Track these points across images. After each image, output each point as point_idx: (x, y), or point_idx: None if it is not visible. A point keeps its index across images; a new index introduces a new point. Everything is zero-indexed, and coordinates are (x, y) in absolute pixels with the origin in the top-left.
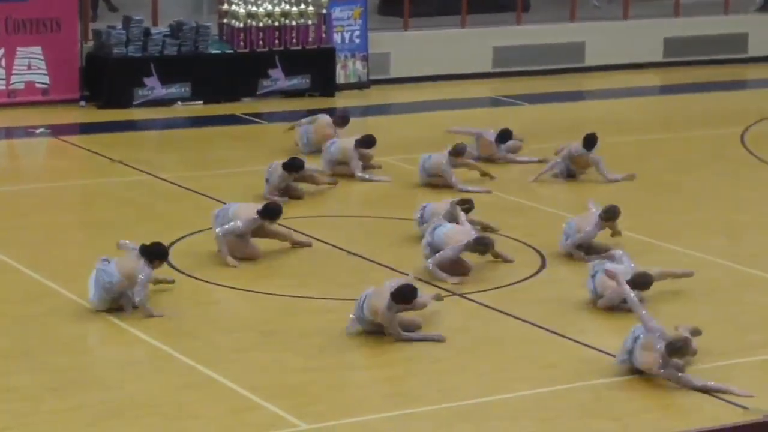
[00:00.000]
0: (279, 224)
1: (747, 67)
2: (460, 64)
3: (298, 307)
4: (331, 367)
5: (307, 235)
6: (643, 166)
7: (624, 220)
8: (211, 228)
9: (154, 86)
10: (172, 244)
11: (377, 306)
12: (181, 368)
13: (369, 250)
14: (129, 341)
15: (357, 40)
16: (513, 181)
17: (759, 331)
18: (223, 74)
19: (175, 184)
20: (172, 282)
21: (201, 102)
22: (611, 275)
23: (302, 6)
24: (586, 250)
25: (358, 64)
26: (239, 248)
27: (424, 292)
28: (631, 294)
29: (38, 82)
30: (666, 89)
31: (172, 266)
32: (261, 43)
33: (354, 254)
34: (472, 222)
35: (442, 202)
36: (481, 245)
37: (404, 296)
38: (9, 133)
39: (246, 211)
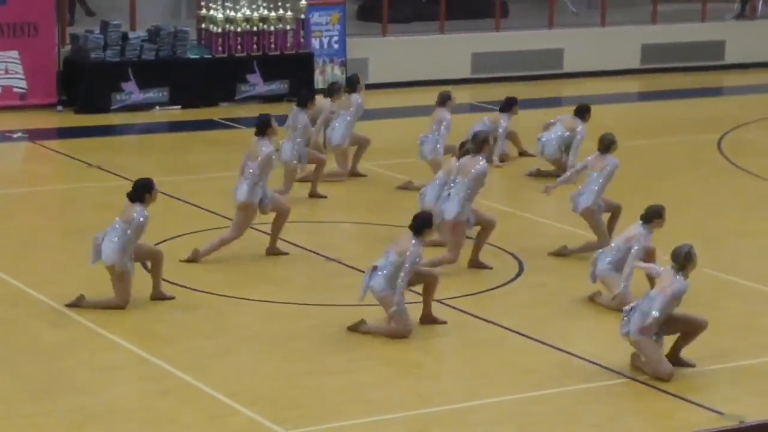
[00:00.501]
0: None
1: (724, 74)
2: (439, 69)
3: (276, 312)
4: (310, 372)
5: (286, 241)
6: (620, 172)
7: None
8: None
9: (131, 91)
10: None
11: (404, 246)
12: (160, 373)
13: (348, 255)
14: (107, 346)
15: (335, 46)
16: (491, 186)
17: (736, 338)
18: (202, 79)
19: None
20: (172, 298)
21: (179, 107)
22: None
23: (281, 11)
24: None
25: (337, 70)
26: None
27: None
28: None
29: (15, 87)
30: (643, 96)
31: (149, 270)
32: (239, 48)
33: (333, 260)
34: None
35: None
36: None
37: (424, 222)
38: None
39: None
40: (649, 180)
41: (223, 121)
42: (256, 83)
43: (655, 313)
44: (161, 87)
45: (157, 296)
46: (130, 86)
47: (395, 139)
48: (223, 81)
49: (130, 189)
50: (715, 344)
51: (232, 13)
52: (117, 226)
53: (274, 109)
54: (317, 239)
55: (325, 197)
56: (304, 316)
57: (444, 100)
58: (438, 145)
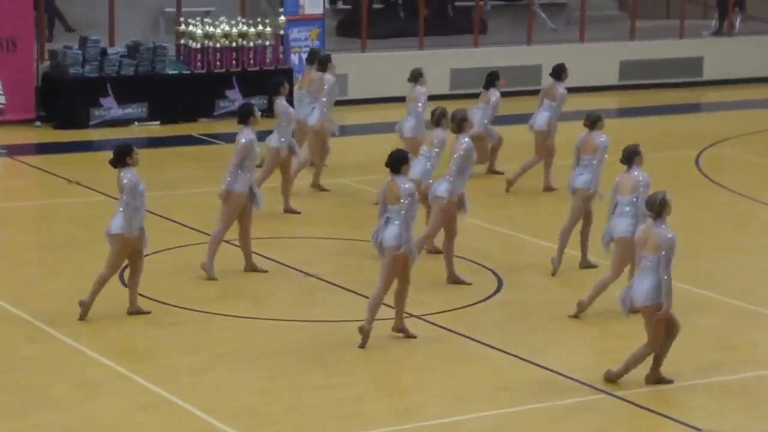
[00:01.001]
0: None
1: (702, 91)
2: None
3: (254, 328)
4: (288, 388)
5: (264, 257)
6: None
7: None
8: (169, 248)
9: (110, 106)
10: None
11: (396, 192)
12: (138, 389)
13: (326, 270)
14: (86, 362)
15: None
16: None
17: (714, 353)
18: (180, 95)
19: None
20: (148, 313)
21: (158, 122)
22: None
23: (260, 27)
24: None
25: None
26: None
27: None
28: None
29: None
30: (622, 112)
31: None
32: (218, 63)
33: (311, 275)
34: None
35: None
36: None
37: (399, 159)
38: None
39: None
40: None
41: (202, 137)
42: (236, 99)
43: (665, 277)
44: (140, 103)
45: (134, 311)
46: (108, 102)
47: (374, 154)
48: (202, 97)
49: (112, 156)
50: (695, 360)
51: (211, 29)
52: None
53: None
54: (295, 255)
55: (299, 213)
56: (282, 331)
57: (416, 77)
58: (418, 123)
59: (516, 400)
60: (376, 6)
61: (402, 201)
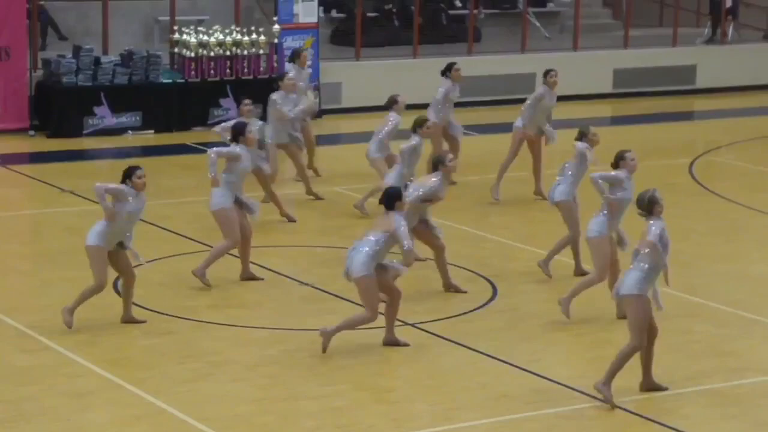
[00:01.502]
0: None
1: (695, 99)
2: (412, 94)
3: (249, 337)
4: (282, 397)
5: (259, 265)
6: (591, 196)
7: (570, 251)
8: (163, 257)
9: (104, 115)
10: None
11: (388, 224)
12: (132, 399)
13: (320, 279)
14: (79, 372)
15: (309, 70)
16: (464, 210)
17: (707, 360)
18: (174, 103)
19: None
20: (143, 322)
21: (152, 131)
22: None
23: (253, 35)
24: None
25: (310, 94)
26: None
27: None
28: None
29: None
30: (616, 120)
31: (120, 293)
32: (212, 72)
33: (306, 284)
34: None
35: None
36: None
37: (394, 196)
38: None
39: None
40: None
41: (196, 146)
42: (230, 107)
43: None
44: (134, 111)
45: (128, 320)
46: (102, 111)
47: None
48: (196, 105)
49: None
50: (687, 367)
51: (205, 38)
52: None
53: None
54: (290, 264)
55: (295, 221)
56: (277, 340)
57: (391, 104)
58: (377, 145)
59: (511, 409)
60: (370, 14)
61: (384, 232)
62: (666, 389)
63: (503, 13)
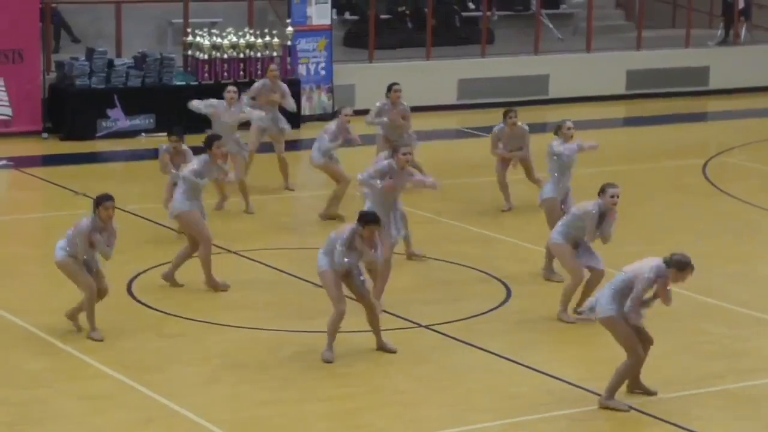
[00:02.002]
0: None
1: (708, 100)
2: (425, 96)
3: (261, 339)
4: (295, 399)
5: (271, 267)
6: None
7: None
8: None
9: (117, 118)
10: (136, 276)
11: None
12: (145, 402)
13: None
14: (91, 375)
15: (322, 72)
16: (477, 212)
17: (719, 361)
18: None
19: (139, 216)
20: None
21: (165, 134)
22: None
23: (267, 38)
24: None
25: (324, 96)
26: None
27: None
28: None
29: (0, 114)
30: (629, 121)
31: (136, 299)
32: (226, 74)
33: (319, 286)
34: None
35: None
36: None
37: (369, 217)
38: None
39: None
40: (633, 205)
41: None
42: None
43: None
44: (147, 114)
45: (71, 316)
46: (115, 113)
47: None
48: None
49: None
50: (701, 368)
51: (219, 40)
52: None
53: None
54: (303, 265)
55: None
56: (288, 342)
57: (336, 113)
58: (319, 151)
59: (524, 410)
60: (384, 16)
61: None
62: (654, 394)
63: (516, 15)
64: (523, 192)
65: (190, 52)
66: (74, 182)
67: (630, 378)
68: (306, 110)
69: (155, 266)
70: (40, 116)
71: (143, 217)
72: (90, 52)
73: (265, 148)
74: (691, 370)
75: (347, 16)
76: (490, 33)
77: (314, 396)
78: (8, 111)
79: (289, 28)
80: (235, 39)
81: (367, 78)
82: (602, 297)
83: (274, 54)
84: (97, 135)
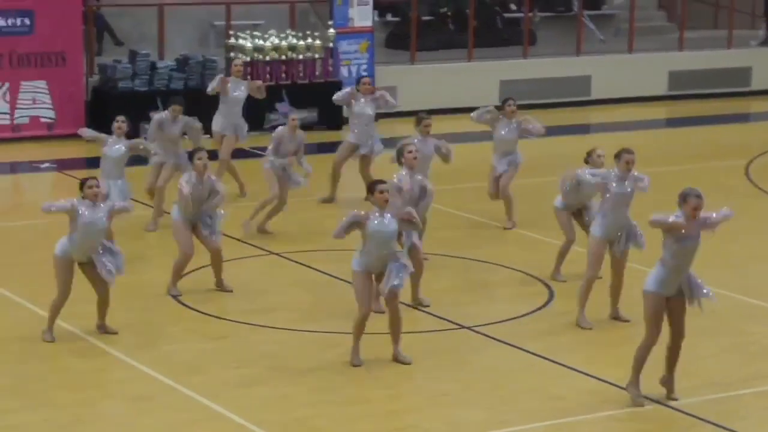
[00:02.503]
0: None
1: (750, 101)
2: (467, 97)
3: (304, 340)
4: (338, 401)
5: (314, 269)
6: (645, 198)
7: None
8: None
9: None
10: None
11: None
12: (189, 403)
13: None
14: (136, 377)
15: (364, 74)
16: (520, 213)
17: (763, 362)
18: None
19: None
20: (115, 333)
21: (207, 136)
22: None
23: (309, 40)
24: None
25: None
26: None
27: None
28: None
29: (43, 117)
30: (671, 122)
31: (180, 301)
32: (268, 76)
33: None
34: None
35: None
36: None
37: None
38: (14, 167)
39: None
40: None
41: (252, 150)
42: (285, 112)
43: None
44: (189, 116)
45: (101, 328)
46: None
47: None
48: (251, 110)
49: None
50: (743, 369)
51: (261, 42)
52: None
53: None
54: (344, 267)
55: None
56: (332, 344)
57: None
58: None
59: (567, 411)
60: (425, 18)
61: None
62: (674, 399)
63: (558, 16)
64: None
65: (232, 55)
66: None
67: (665, 371)
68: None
69: (197, 269)
70: (82, 119)
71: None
72: (133, 55)
73: (319, 149)
74: (734, 371)
75: (389, 17)
76: (532, 34)
77: (357, 397)
78: (51, 114)
79: (331, 30)
80: (277, 41)
81: (409, 79)
82: (650, 273)
83: (316, 56)
84: (140, 137)
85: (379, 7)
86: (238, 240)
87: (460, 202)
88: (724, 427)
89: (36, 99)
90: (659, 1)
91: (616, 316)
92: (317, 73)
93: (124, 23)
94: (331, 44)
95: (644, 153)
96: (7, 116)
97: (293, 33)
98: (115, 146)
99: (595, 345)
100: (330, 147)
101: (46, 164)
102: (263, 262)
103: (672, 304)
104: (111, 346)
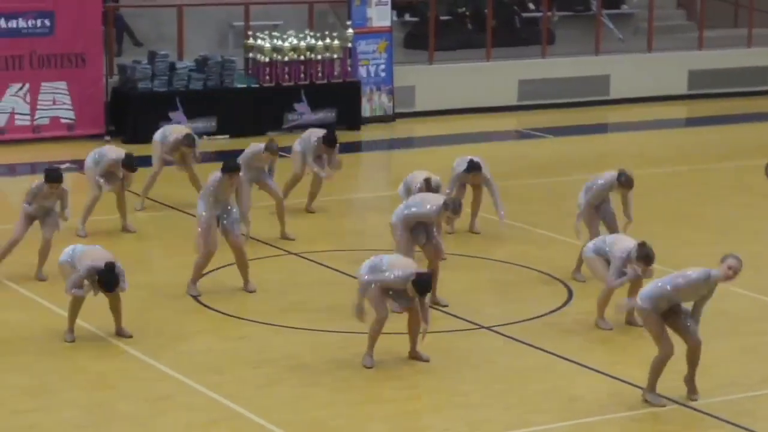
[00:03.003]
0: None
1: None
2: (486, 97)
3: (323, 340)
4: (356, 401)
5: (333, 269)
6: (666, 198)
7: None
8: (233, 263)
9: (179, 121)
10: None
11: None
12: (208, 403)
13: None
14: (155, 377)
15: (382, 74)
16: (539, 213)
17: None
18: (249, 108)
19: None
20: (130, 337)
21: (227, 136)
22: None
23: (327, 40)
24: None
25: (384, 98)
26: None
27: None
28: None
29: (63, 118)
30: (690, 122)
31: (199, 301)
32: (287, 77)
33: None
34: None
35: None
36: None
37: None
38: (34, 168)
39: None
40: (695, 206)
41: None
42: (304, 112)
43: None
44: (209, 116)
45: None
46: (177, 116)
47: (442, 165)
48: (270, 110)
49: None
50: (763, 369)
51: (280, 43)
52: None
53: None
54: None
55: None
56: (350, 344)
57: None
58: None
59: (586, 412)
60: (444, 18)
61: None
62: (694, 399)
63: (577, 16)
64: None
65: (251, 55)
66: (135, 185)
67: (687, 369)
68: (366, 112)
69: (216, 268)
70: (102, 119)
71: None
72: (152, 56)
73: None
74: (754, 372)
75: (407, 17)
76: (551, 34)
77: (376, 398)
78: (71, 114)
79: (350, 30)
80: (295, 41)
81: (428, 79)
82: (644, 290)
83: (335, 56)
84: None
85: (398, 7)
86: (257, 240)
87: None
88: (742, 428)
89: (56, 100)
90: (678, 0)
91: (631, 322)
92: (336, 73)
93: (144, 24)
94: (349, 44)
95: (664, 153)
96: (28, 117)
97: (312, 33)
98: None
99: (614, 345)
100: (349, 147)
101: (67, 165)
102: (282, 262)
103: (667, 316)
104: (129, 345)
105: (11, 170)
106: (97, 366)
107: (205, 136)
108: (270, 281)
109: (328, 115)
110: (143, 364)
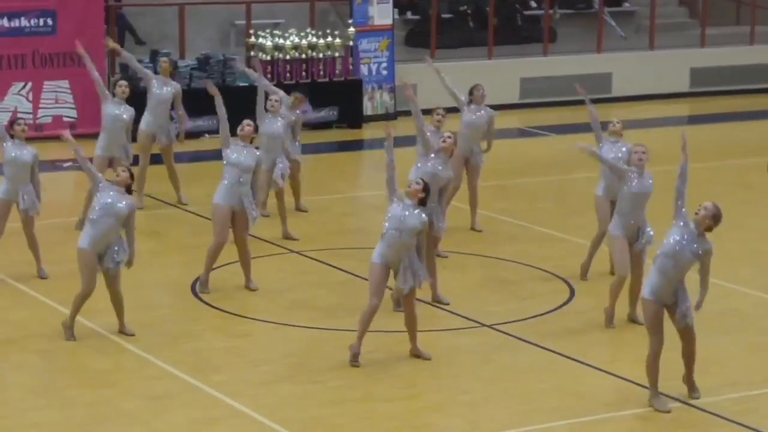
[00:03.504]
0: None
1: None
2: (488, 95)
3: (325, 339)
4: (360, 399)
5: (336, 268)
6: (667, 195)
7: (651, 250)
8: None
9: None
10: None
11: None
12: (210, 401)
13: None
14: (156, 375)
15: (384, 72)
16: (540, 211)
17: None
18: (251, 107)
19: (203, 217)
20: (132, 335)
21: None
22: None
23: (329, 38)
24: None
25: (385, 96)
26: None
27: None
28: None
29: (65, 116)
30: (693, 119)
31: (201, 299)
32: (288, 75)
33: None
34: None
35: None
36: None
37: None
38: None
39: None
40: (697, 203)
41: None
42: (305, 110)
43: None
44: (210, 115)
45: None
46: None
47: None
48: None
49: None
50: (766, 368)
51: (281, 41)
52: None
53: (323, 136)
54: (365, 265)
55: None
56: (352, 342)
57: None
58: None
59: (590, 410)
60: (445, 16)
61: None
62: (696, 398)
63: (578, 13)
64: (588, 190)
65: (252, 53)
66: (138, 183)
67: (684, 373)
68: (368, 110)
69: (220, 266)
70: None
71: (206, 218)
72: (154, 54)
73: (339, 147)
74: (760, 370)
75: (409, 15)
76: (553, 31)
77: (379, 396)
78: (73, 113)
79: (351, 29)
80: (297, 40)
81: (429, 77)
82: (646, 281)
83: (336, 54)
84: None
85: (399, 5)
86: (260, 239)
87: (480, 199)
88: (749, 427)
89: (58, 98)
90: None
91: (633, 320)
92: (337, 71)
93: (146, 23)
94: (351, 43)
95: (666, 150)
96: (30, 116)
97: (313, 32)
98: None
99: (617, 343)
100: (350, 145)
101: (69, 163)
102: (285, 260)
103: (671, 311)
104: (131, 343)
105: None
106: (99, 364)
107: (206, 135)
108: (272, 279)
109: (329, 113)
110: (145, 362)
